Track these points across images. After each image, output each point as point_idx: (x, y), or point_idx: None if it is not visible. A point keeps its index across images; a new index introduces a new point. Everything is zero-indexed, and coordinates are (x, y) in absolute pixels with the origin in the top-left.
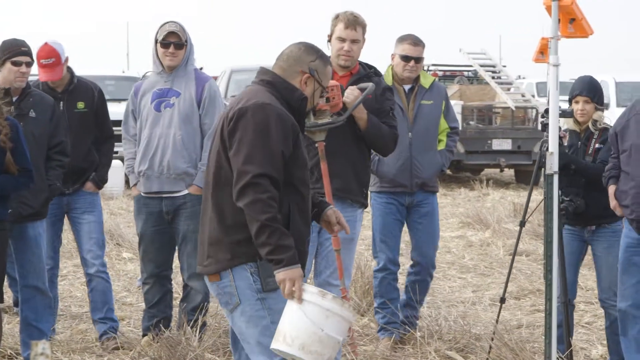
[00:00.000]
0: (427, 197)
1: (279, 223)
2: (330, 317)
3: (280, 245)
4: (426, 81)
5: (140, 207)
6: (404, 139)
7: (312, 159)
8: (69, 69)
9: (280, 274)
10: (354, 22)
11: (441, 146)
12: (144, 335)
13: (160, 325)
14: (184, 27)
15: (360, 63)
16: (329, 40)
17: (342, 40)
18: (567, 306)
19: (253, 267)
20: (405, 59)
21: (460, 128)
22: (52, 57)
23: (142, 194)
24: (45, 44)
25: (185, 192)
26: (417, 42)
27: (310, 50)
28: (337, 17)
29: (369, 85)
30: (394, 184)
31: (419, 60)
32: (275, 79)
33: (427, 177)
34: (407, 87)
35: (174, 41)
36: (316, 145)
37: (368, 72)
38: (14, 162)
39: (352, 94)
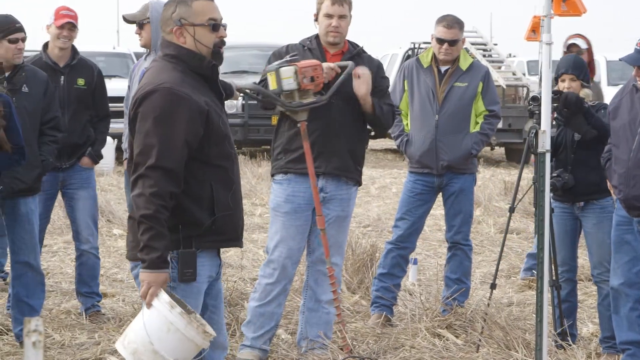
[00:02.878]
0: (455, 177)
1: (155, 222)
2: (172, 332)
3: (148, 245)
4: (465, 62)
5: None
6: (431, 121)
7: (296, 137)
8: (73, 46)
9: (142, 274)
10: None
11: (476, 129)
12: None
13: None
14: (148, 6)
15: (349, 41)
16: (316, 19)
17: (330, 16)
18: (559, 288)
19: (174, 254)
20: (440, 42)
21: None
22: (72, 11)
23: None
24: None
25: None
26: (451, 24)
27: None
28: None
29: (349, 63)
30: (421, 165)
31: (452, 43)
32: (179, 51)
33: (453, 159)
34: (444, 68)
35: (134, 22)
36: (298, 125)
37: (358, 50)
38: (7, 140)
39: (329, 73)
